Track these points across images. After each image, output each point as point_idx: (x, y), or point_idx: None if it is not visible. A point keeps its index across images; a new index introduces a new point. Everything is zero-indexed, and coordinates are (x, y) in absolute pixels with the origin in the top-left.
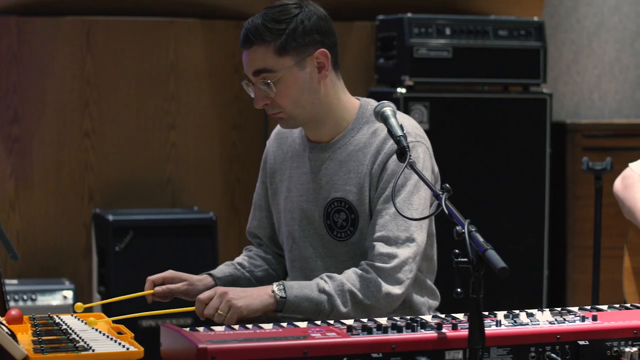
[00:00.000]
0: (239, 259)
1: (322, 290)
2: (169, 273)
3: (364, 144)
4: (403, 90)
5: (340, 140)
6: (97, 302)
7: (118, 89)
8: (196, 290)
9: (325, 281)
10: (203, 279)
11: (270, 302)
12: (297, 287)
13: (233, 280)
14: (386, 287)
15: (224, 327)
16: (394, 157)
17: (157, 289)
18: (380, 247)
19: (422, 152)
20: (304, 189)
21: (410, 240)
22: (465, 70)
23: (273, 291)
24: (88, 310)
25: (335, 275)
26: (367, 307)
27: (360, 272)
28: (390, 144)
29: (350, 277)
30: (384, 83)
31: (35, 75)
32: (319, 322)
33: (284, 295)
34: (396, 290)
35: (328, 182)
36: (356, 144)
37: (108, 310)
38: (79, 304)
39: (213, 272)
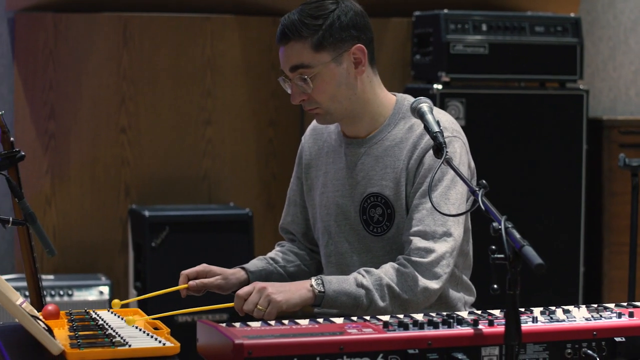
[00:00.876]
0: (271, 254)
1: (360, 285)
2: (203, 267)
3: (400, 139)
4: (439, 87)
5: (376, 136)
6: (134, 299)
7: (154, 85)
8: (230, 284)
9: (363, 275)
10: (236, 272)
11: (309, 297)
12: (336, 282)
13: (266, 275)
14: (424, 282)
15: (260, 322)
16: (431, 152)
17: (191, 283)
18: (418, 242)
19: (459, 147)
20: (340, 184)
21: (448, 234)
22: (502, 67)
23: (311, 285)
24: (125, 306)
25: (372, 269)
26: (404, 302)
27: (397, 266)
28: (427, 139)
29: (387, 272)
30: (420, 79)
31: (72, 72)
32: (355, 318)
33: (323, 290)
34: (433, 284)
35: (364, 177)
36: (392, 139)
37: (143, 305)
38: (116, 300)
39: (246, 266)
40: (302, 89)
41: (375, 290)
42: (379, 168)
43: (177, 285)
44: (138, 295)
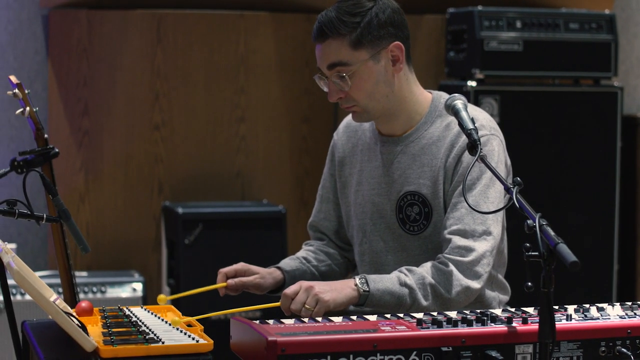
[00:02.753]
0: (302, 253)
1: (403, 284)
2: (241, 265)
3: (437, 137)
4: (473, 84)
5: (413, 134)
6: (179, 295)
7: (188, 81)
8: (267, 284)
9: (405, 274)
10: (273, 272)
11: (354, 296)
12: (379, 281)
13: (300, 274)
14: (465, 281)
15: (293, 320)
16: None
17: (230, 282)
18: (457, 241)
19: (497, 145)
20: (376, 182)
21: (487, 233)
22: (536, 64)
23: (356, 285)
24: (170, 302)
25: (414, 268)
26: (446, 301)
27: (438, 265)
28: (464, 137)
29: (429, 271)
30: (455, 76)
31: (106, 68)
32: (388, 315)
33: (368, 289)
34: (475, 284)
35: (401, 175)
36: (429, 137)
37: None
38: (162, 296)
39: (281, 265)
40: (340, 86)
41: (418, 290)
42: (416, 166)
43: (213, 282)
44: (172, 293)
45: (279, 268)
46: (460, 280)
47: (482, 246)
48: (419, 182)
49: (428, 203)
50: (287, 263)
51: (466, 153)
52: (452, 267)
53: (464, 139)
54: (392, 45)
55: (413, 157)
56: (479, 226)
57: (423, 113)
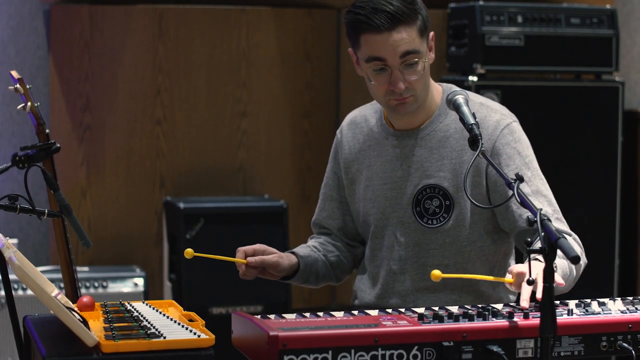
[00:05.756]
0: (312, 242)
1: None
2: (259, 246)
3: (454, 129)
4: (474, 79)
5: (428, 127)
6: (207, 255)
7: (189, 76)
8: (284, 265)
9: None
10: (288, 255)
11: None
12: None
13: (312, 261)
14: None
15: (295, 314)
16: (502, 140)
17: (250, 259)
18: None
19: (519, 130)
20: (388, 176)
21: (556, 212)
22: (537, 59)
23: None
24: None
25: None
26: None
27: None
28: (484, 129)
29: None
30: (456, 71)
31: (107, 63)
32: (390, 310)
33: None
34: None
35: (418, 168)
36: (446, 130)
37: (178, 297)
38: (189, 250)
39: (295, 250)
40: (407, 76)
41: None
42: (434, 159)
43: (216, 280)
44: (173, 288)
45: (293, 253)
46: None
47: (562, 227)
48: (439, 175)
49: (450, 196)
50: (301, 249)
51: (498, 143)
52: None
53: (485, 127)
54: (432, 35)
55: (430, 150)
56: (548, 207)
57: (437, 105)
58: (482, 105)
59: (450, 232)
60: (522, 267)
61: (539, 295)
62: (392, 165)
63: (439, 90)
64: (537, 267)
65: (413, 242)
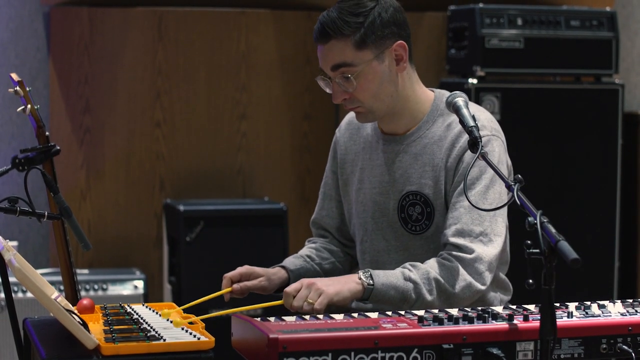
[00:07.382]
0: (306, 251)
1: (407, 279)
2: (245, 269)
3: (439, 137)
4: (474, 81)
5: (414, 133)
6: (187, 305)
7: (189, 79)
8: (272, 285)
9: (409, 270)
10: (277, 272)
11: (358, 290)
12: (383, 275)
13: (304, 273)
14: (469, 277)
15: (295, 317)
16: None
17: (235, 287)
18: (456, 240)
19: (498, 147)
20: (377, 181)
21: (484, 235)
22: (537, 61)
23: (360, 279)
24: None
25: (418, 264)
26: (450, 296)
27: (442, 261)
28: (466, 137)
29: (434, 266)
30: (455, 74)
31: (107, 66)
32: (389, 313)
33: (372, 283)
34: (477, 285)
35: (402, 175)
36: (431, 137)
37: (179, 301)
38: (165, 311)
39: (285, 264)
40: (344, 87)
41: (423, 284)
42: (418, 166)
43: (215, 282)
44: (173, 291)
45: (283, 267)
46: (464, 275)
47: (480, 248)
48: (421, 182)
49: (430, 203)
50: (291, 262)
51: (467, 153)
52: (456, 262)
53: (465, 138)
54: (396, 45)
55: (415, 157)
56: (477, 227)
57: (425, 112)
58: None
59: (433, 238)
60: (290, 287)
61: (305, 307)
62: (381, 169)
63: (429, 96)
64: (305, 281)
65: (401, 247)
